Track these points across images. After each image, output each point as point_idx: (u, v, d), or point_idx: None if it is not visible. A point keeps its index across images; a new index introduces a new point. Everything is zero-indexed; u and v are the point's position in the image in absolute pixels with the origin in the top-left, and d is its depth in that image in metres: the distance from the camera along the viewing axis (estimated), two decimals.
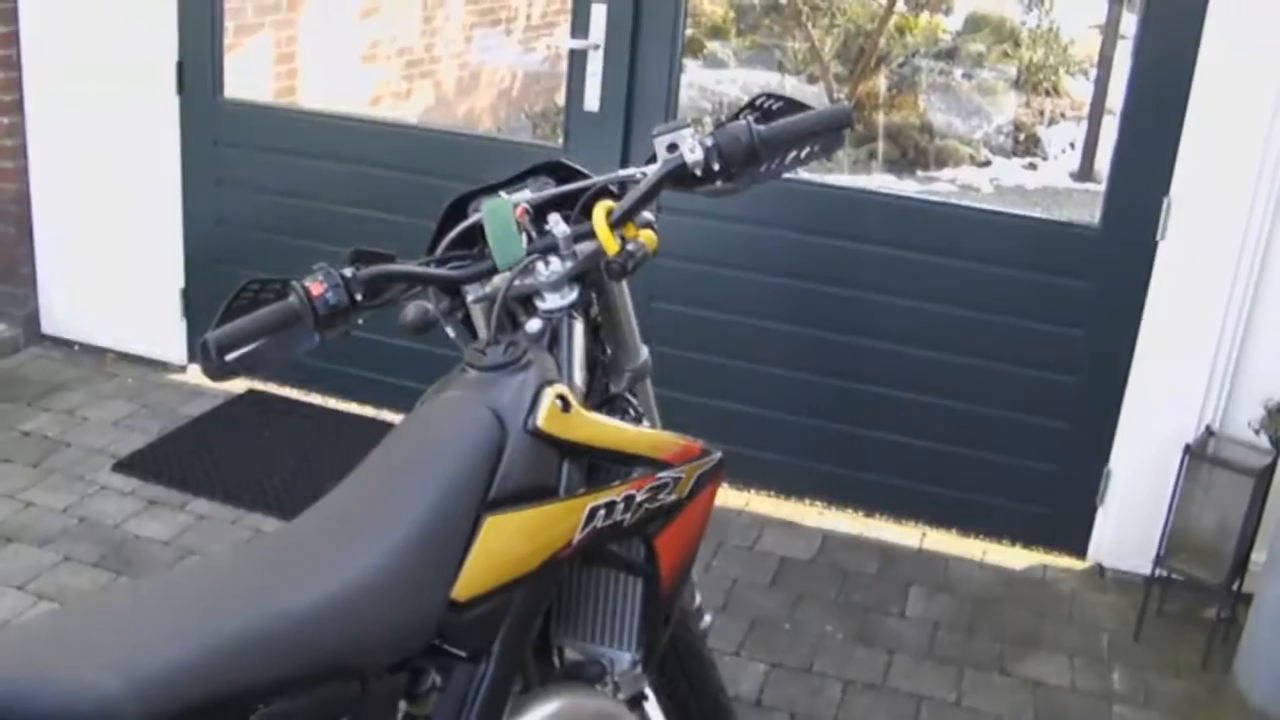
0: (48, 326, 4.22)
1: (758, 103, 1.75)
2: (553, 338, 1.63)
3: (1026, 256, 3.21)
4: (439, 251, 1.69)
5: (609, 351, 1.82)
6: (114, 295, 4.08)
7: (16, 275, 4.14)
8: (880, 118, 6.95)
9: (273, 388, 3.96)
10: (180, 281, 3.98)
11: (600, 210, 1.62)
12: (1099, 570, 3.31)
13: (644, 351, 1.86)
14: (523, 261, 1.60)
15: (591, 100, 3.37)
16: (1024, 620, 3.07)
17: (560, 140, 3.55)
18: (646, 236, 1.67)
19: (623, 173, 1.72)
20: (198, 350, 1.56)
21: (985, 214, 3.34)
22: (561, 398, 1.47)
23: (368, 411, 3.85)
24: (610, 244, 1.62)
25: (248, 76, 4.69)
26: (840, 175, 5.58)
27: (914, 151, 7.06)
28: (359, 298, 1.57)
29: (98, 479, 3.37)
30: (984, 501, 3.39)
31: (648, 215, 1.74)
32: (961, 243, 3.26)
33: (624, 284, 1.79)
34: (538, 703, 1.53)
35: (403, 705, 1.32)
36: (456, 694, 1.36)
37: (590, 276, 1.70)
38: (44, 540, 3.08)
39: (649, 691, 1.97)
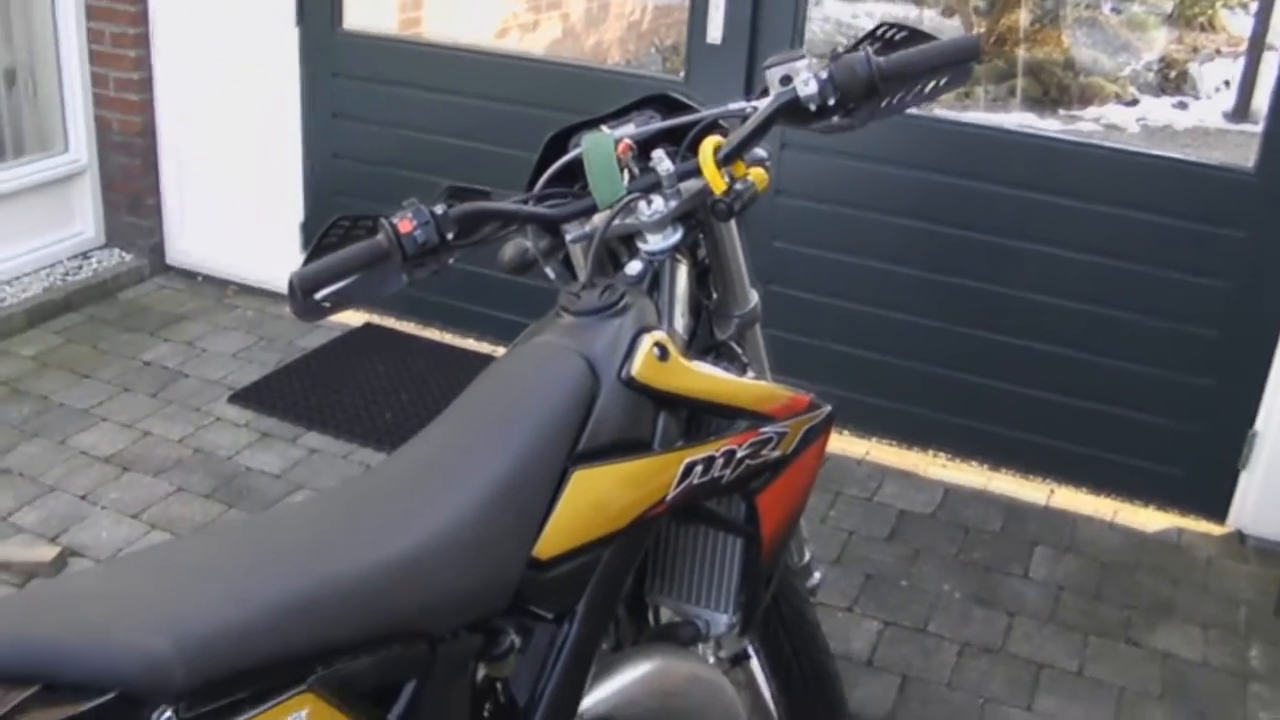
0: (172, 257, 4.27)
1: (879, 32, 1.62)
2: (653, 281, 1.54)
3: (1175, 202, 3.01)
4: (537, 188, 1.61)
5: (715, 296, 1.72)
6: (236, 227, 4.11)
7: (143, 206, 4.19)
8: (1021, 53, 6.65)
9: (390, 321, 3.95)
10: (300, 214, 3.98)
11: (707, 146, 1.52)
12: (1239, 537, 3.12)
13: (754, 296, 1.76)
14: (623, 200, 1.51)
15: (714, 31, 3.24)
16: (1155, 587, 2.91)
17: (682, 73, 3.42)
18: (757, 175, 1.57)
19: (733, 106, 1.62)
20: (286, 289, 1.50)
21: (1130, 155, 3.13)
22: (659, 345, 1.39)
23: (485, 347, 3.81)
24: (717, 182, 1.52)
25: (373, 8, 4.65)
26: (976, 112, 5.36)
27: (1056, 89, 6.75)
28: (450, 236, 1.49)
29: (213, 410, 3.40)
30: (1117, 460, 3.22)
31: (760, 152, 1.63)
32: (1104, 186, 3.07)
33: (734, 224, 1.69)
34: (627, 664, 1.46)
35: (480, 668, 1.26)
36: (537, 656, 1.29)
37: (696, 216, 1.61)
38: (159, 470, 3.11)
39: (752, 651, 1.90)
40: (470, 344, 3.85)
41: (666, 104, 1.67)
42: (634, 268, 1.53)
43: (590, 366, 1.35)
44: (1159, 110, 6.78)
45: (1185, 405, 3.12)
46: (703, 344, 1.68)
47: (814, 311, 3.40)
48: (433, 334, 3.90)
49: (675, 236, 1.55)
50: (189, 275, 4.23)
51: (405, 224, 1.46)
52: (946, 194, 3.22)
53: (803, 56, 1.57)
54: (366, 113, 3.81)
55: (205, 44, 3.94)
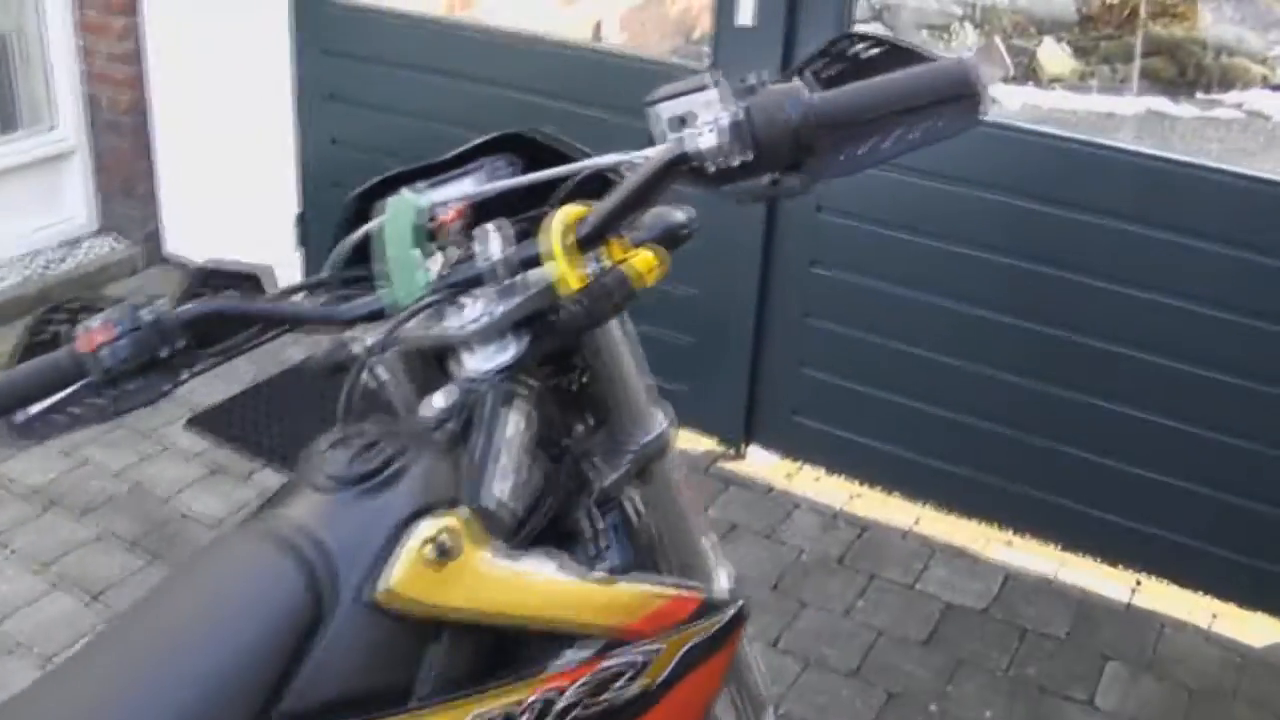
0: (171, 246, 3.88)
1: (836, 49, 1.09)
2: (469, 420, 1.04)
3: None
4: (327, 267, 1.13)
5: (596, 424, 1.20)
6: (233, 216, 3.69)
7: (135, 193, 3.80)
8: (1148, 28, 5.93)
9: None
10: (295, 205, 3.55)
11: (559, 222, 1.02)
12: None
13: (660, 420, 1.22)
14: (422, 300, 1.02)
15: (745, 13, 2.70)
16: None
17: (707, 62, 2.89)
18: (642, 260, 1.05)
19: (613, 157, 1.10)
20: None
21: (1265, 185, 2.47)
22: (441, 539, 0.91)
23: None
24: (569, 275, 1.01)
25: None
26: (1093, 95, 4.67)
27: (1193, 69, 6.02)
28: (179, 345, 1.03)
29: (166, 436, 2.99)
30: (1221, 553, 2.62)
31: (677, 215, 1.13)
32: (1230, 222, 2.45)
33: (619, 320, 1.17)
34: None
35: None
36: None
37: (549, 320, 1.10)
38: (85, 509, 2.72)
39: None
40: None
41: (530, 146, 1.17)
42: (437, 403, 1.04)
43: (311, 576, 0.88)
44: None
45: None
46: (595, 496, 1.15)
47: (860, 351, 2.85)
48: None
49: (508, 353, 1.05)
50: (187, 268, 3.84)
51: (98, 335, 1.01)
52: (1031, 221, 2.63)
53: (709, 86, 1.04)
54: (362, 96, 3.34)
55: (197, 10, 3.51)
